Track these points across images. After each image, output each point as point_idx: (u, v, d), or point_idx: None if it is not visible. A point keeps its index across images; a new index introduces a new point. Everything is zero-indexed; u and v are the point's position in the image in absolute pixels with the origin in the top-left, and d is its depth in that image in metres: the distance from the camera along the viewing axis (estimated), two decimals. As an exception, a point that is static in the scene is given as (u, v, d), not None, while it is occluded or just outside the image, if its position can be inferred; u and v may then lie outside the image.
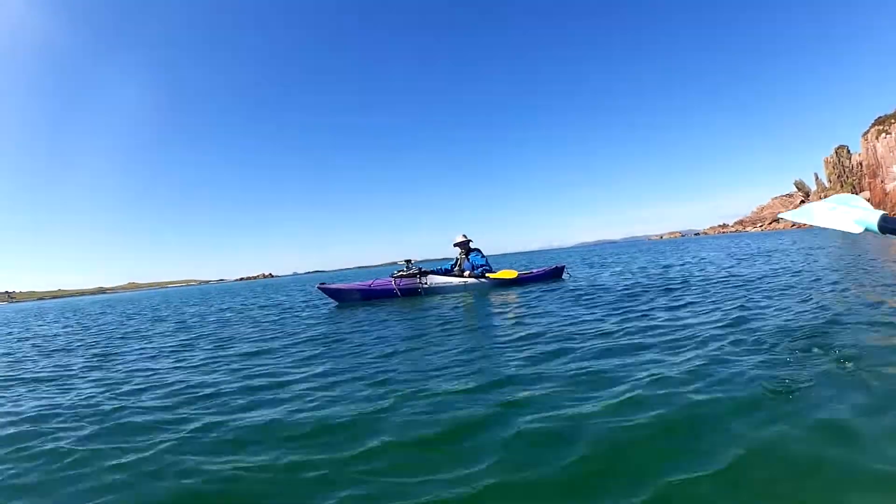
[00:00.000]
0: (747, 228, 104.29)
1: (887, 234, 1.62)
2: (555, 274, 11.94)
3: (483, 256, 11.11)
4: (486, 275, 10.81)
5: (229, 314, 11.33)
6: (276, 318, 9.03)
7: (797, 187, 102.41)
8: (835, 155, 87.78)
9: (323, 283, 11.38)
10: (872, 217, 1.58)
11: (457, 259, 11.26)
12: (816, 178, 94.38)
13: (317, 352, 4.76)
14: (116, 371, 4.67)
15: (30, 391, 4.06)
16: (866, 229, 1.68)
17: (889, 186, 66.54)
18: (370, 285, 10.72)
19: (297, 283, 38.74)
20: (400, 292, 10.49)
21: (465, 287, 10.74)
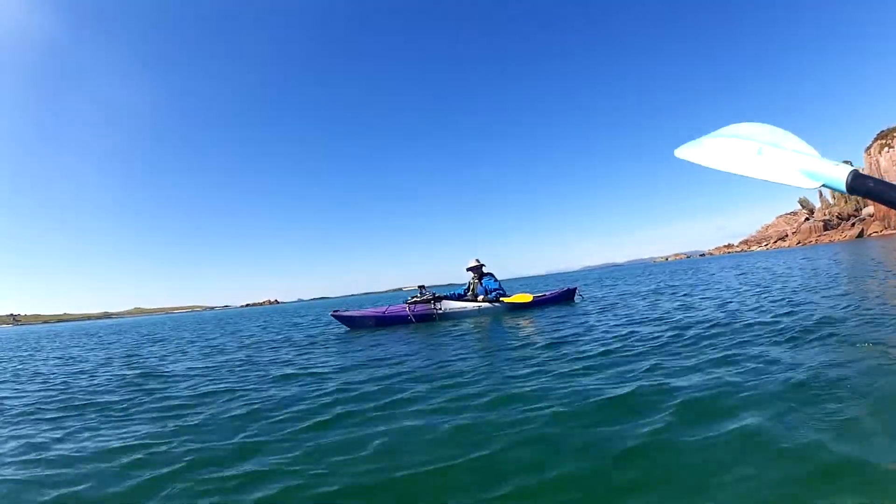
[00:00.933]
0: (752, 248, 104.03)
1: (855, 195, 0.79)
2: (567, 296, 11.95)
3: (496, 280, 11.14)
4: (501, 299, 10.83)
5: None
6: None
7: (801, 205, 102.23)
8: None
9: (336, 311, 11.40)
10: (835, 171, 0.96)
11: (469, 283, 11.29)
12: (820, 194, 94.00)
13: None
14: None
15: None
16: (824, 185, 1.01)
17: (894, 202, 66.31)
18: (384, 312, 10.73)
19: (306, 309, 38.66)
20: (415, 318, 10.49)
21: (479, 311, 10.74)
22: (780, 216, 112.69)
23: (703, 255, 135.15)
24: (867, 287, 8.37)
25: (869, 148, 72.36)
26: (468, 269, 11.30)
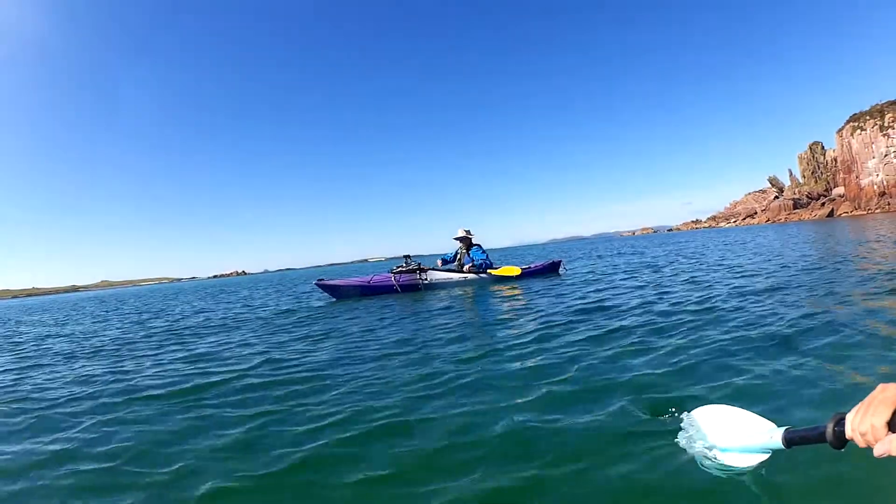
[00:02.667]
0: (721, 224, 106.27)
1: (793, 447, 1.07)
2: (551, 268, 11.95)
3: (484, 252, 11.03)
4: (488, 270, 10.76)
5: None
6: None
7: (771, 183, 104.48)
8: (809, 151, 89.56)
9: (321, 279, 11.17)
10: (768, 435, 1.10)
11: (458, 252, 11.19)
12: (790, 173, 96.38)
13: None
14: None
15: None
16: (768, 452, 1.20)
17: (864, 182, 68.37)
18: (369, 281, 10.55)
19: (279, 280, 38.10)
20: (400, 288, 10.34)
21: (465, 282, 10.65)
22: (750, 193, 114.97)
23: (670, 230, 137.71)
24: None
25: (841, 130, 73.92)
26: (456, 238, 11.17)
